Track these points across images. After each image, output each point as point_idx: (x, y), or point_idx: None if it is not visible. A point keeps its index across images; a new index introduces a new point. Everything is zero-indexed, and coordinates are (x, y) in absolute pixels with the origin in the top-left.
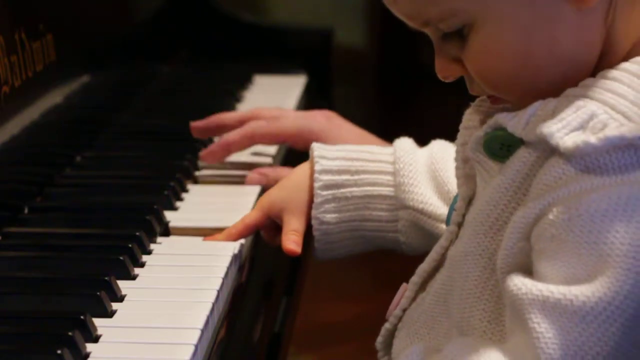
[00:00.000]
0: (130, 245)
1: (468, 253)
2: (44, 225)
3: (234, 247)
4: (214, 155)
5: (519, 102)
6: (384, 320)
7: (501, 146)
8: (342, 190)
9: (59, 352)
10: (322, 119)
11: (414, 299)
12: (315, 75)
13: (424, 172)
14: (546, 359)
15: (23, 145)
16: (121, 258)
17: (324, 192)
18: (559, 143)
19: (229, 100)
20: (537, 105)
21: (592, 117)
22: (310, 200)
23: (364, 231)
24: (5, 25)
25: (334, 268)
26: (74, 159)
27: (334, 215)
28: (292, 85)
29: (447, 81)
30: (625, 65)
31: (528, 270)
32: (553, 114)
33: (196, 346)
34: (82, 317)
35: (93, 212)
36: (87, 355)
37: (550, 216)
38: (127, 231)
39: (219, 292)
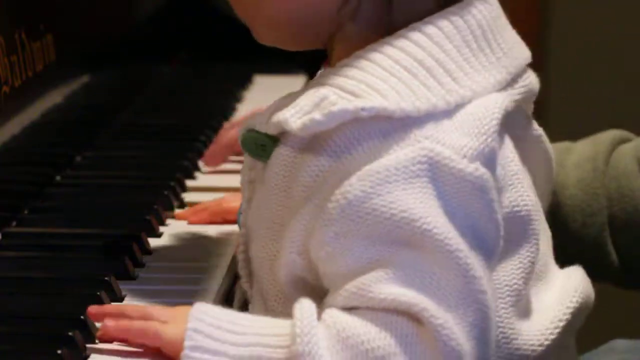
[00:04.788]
0: (130, 245)
1: (257, 257)
2: (44, 225)
3: (234, 247)
4: (216, 157)
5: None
6: None
7: (256, 146)
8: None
9: (59, 352)
10: None
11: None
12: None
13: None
14: None
15: (23, 145)
16: (121, 258)
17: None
18: (292, 127)
19: (229, 100)
20: (276, 101)
21: (323, 99)
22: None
23: None
24: (5, 25)
25: None
26: (74, 159)
27: None
28: (292, 85)
29: None
30: (357, 52)
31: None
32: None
33: None
34: (82, 317)
35: (93, 212)
36: (87, 355)
37: (323, 216)
38: (127, 231)
39: (219, 292)
